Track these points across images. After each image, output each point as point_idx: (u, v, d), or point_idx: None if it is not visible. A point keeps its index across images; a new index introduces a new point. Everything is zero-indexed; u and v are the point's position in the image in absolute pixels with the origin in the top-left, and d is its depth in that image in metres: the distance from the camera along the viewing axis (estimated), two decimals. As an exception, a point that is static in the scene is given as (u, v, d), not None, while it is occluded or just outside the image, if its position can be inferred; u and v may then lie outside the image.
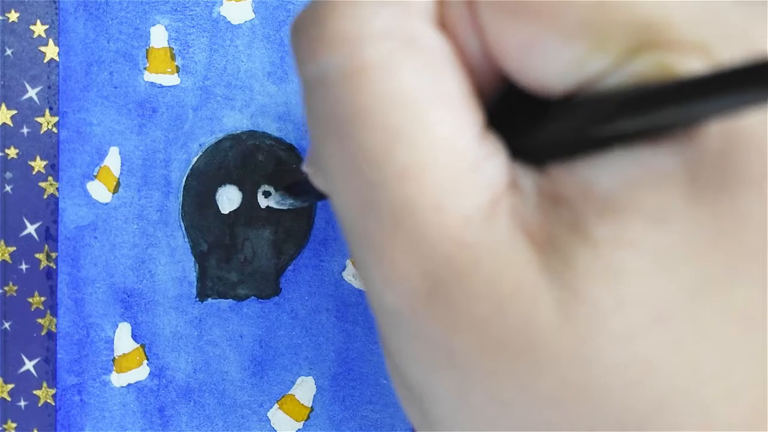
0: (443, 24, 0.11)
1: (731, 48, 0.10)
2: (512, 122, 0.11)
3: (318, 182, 0.16)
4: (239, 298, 0.30)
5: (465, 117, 0.11)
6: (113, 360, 0.29)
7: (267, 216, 0.30)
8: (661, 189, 0.10)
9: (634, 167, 0.10)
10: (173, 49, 0.30)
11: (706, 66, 0.10)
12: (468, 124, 0.11)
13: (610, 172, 0.10)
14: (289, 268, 0.30)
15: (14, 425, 0.29)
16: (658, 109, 0.09)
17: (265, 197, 0.29)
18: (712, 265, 0.09)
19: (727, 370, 0.09)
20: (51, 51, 0.30)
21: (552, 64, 0.10)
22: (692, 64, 0.10)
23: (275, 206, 0.29)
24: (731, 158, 0.09)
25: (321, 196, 0.22)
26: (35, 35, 0.30)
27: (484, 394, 0.10)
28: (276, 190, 0.29)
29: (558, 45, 0.10)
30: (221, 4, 0.30)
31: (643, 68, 0.10)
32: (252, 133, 0.30)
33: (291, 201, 0.27)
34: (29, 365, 0.30)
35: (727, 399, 0.09)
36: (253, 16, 0.30)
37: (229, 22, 0.30)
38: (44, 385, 0.30)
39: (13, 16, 0.30)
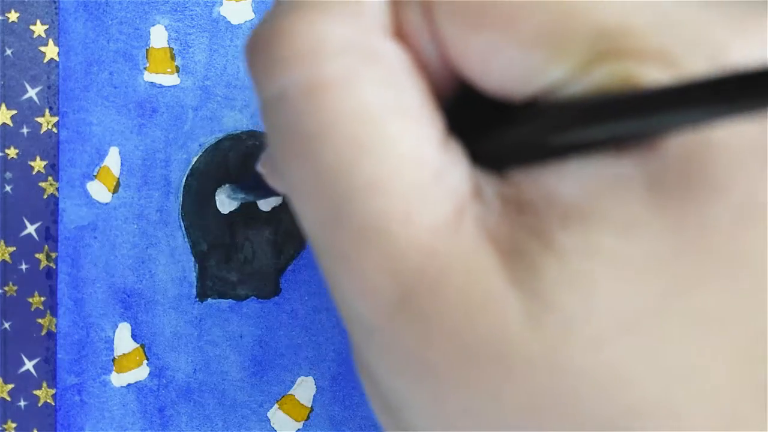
0: (399, 31, 0.11)
1: (695, 55, 0.10)
2: (472, 126, 0.11)
3: (276, 184, 0.16)
4: (239, 298, 0.30)
5: (427, 127, 0.11)
6: (113, 360, 0.29)
7: (267, 216, 0.30)
8: (625, 197, 0.10)
9: (597, 175, 0.10)
10: (173, 49, 0.30)
11: (668, 74, 0.09)
12: (430, 133, 0.11)
13: (573, 180, 0.10)
14: (289, 268, 0.30)
15: (14, 425, 0.29)
16: (615, 120, 0.09)
17: (221, 200, 0.30)
18: (678, 272, 0.09)
19: (697, 375, 0.09)
20: (51, 51, 0.30)
21: (510, 73, 0.10)
22: (653, 73, 0.09)
23: (226, 199, 0.29)
24: (695, 164, 0.09)
25: (273, 193, 0.22)
26: (35, 35, 0.30)
27: (457, 404, 0.10)
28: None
29: (516, 54, 0.10)
30: (221, 4, 0.30)
31: (603, 77, 0.10)
32: (252, 133, 0.30)
33: (242, 195, 0.27)
34: (29, 365, 0.30)
35: (699, 403, 0.09)
36: (253, 16, 0.30)
37: (229, 22, 0.30)
38: (44, 385, 0.30)
39: (13, 16, 0.30)
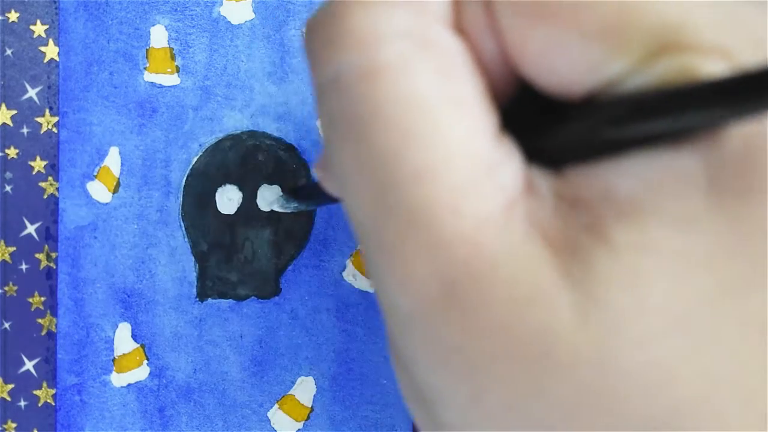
0: (459, 26, 0.11)
1: (753, 51, 0.10)
2: (527, 125, 0.11)
3: (329, 185, 0.16)
4: (239, 298, 0.30)
5: (480, 119, 0.10)
6: (113, 360, 0.29)
7: (267, 216, 0.30)
8: (683, 193, 0.10)
9: (655, 170, 0.10)
10: (173, 49, 0.30)
11: (727, 69, 0.09)
12: (483, 126, 0.10)
13: (630, 175, 0.10)
14: (289, 268, 0.30)
15: (14, 425, 0.29)
16: (677, 112, 0.09)
17: (267, 202, 0.29)
18: (730, 272, 0.09)
19: (742, 376, 0.09)
20: (51, 51, 0.30)
21: (571, 67, 0.10)
22: (714, 67, 0.09)
23: (279, 210, 0.28)
24: (753, 162, 0.09)
25: (328, 200, 0.21)
26: (35, 35, 0.30)
27: (498, 399, 0.10)
28: (280, 193, 0.29)
29: (577, 47, 0.10)
30: (221, 4, 0.30)
31: (663, 71, 0.10)
32: (252, 133, 0.30)
33: (296, 204, 0.27)
34: (29, 365, 0.30)
35: (742, 404, 0.09)
36: (253, 16, 0.30)
37: (229, 22, 0.30)
38: (44, 385, 0.30)
39: (13, 16, 0.30)
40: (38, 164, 0.30)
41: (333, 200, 0.20)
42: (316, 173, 0.16)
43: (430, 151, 0.10)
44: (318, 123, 0.12)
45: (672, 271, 0.09)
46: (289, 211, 0.29)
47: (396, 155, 0.10)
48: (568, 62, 0.10)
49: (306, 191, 0.25)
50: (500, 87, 0.11)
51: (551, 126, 0.11)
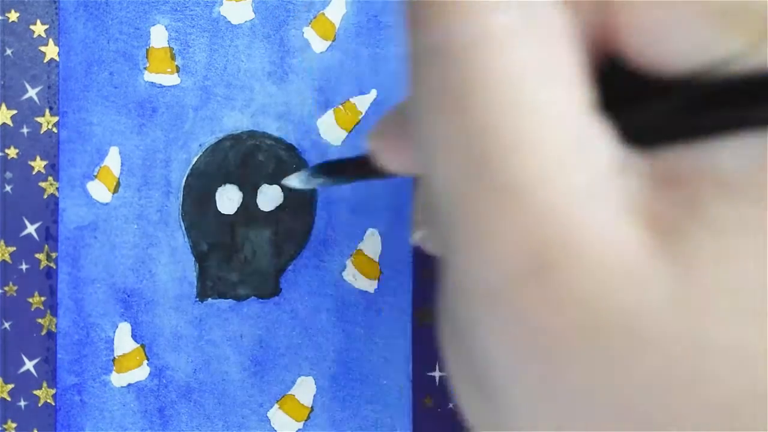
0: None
1: None
2: (619, 102, 0.11)
3: (396, 147, 0.15)
4: (239, 298, 0.30)
5: (579, 94, 0.10)
6: (113, 360, 0.29)
7: (267, 216, 0.30)
8: None
9: (763, 147, 0.10)
10: (173, 48, 0.30)
11: None
12: (581, 101, 0.10)
13: (734, 152, 0.10)
14: (289, 268, 0.30)
15: (14, 425, 0.29)
16: None
17: (288, 179, 0.27)
18: None
19: None
20: (51, 51, 0.30)
21: (680, 44, 0.10)
22: None
23: (299, 186, 0.27)
24: None
25: (363, 176, 0.20)
26: (35, 35, 0.30)
27: (573, 380, 0.10)
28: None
29: (693, 25, 0.10)
30: (221, 3, 0.30)
31: None
32: (252, 133, 0.30)
33: (321, 180, 0.25)
34: (29, 365, 0.30)
35: None
36: (253, 15, 0.30)
37: (229, 21, 0.30)
38: (44, 385, 0.30)
39: (13, 15, 0.30)
40: (38, 164, 0.30)
41: (368, 176, 0.19)
42: (370, 143, 0.16)
43: (528, 124, 0.10)
44: (406, 88, 0.12)
45: None
46: (309, 188, 0.27)
47: (494, 126, 0.10)
48: (676, 39, 0.10)
49: (340, 166, 0.24)
50: (594, 61, 0.11)
51: (649, 102, 0.11)
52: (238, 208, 0.30)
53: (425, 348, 0.30)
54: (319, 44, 0.30)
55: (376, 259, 0.30)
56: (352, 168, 0.21)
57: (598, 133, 0.10)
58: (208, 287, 0.30)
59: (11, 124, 0.30)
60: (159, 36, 0.30)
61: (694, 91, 0.10)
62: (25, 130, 0.30)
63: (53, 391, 0.30)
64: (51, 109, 0.30)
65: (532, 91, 0.10)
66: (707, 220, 0.10)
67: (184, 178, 0.30)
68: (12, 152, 0.30)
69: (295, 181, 0.25)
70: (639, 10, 0.10)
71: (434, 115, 0.11)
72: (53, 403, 0.29)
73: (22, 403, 0.29)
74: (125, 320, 0.29)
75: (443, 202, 0.11)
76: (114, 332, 0.29)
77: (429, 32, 0.11)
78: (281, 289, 0.30)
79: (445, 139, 0.11)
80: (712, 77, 0.10)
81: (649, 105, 0.11)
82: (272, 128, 0.30)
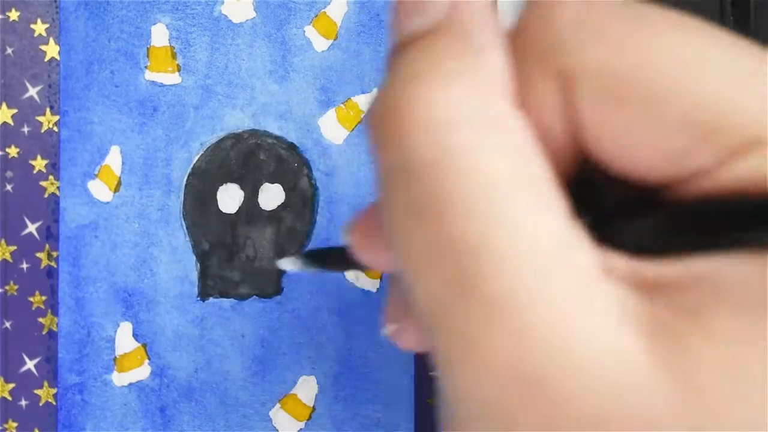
0: (522, 102, 0.11)
1: None
2: (595, 208, 0.11)
3: (372, 256, 0.15)
4: (241, 298, 0.30)
5: (554, 201, 0.10)
6: (114, 359, 0.29)
7: (269, 215, 0.30)
8: None
9: (761, 258, 0.10)
10: (174, 47, 0.30)
11: None
12: (557, 208, 0.10)
13: (739, 263, 0.10)
14: (291, 267, 0.30)
15: (15, 424, 0.29)
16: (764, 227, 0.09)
17: (281, 263, 0.28)
18: None
19: None
20: (52, 50, 0.30)
21: (652, 155, 0.10)
22: None
23: (296, 270, 0.27)
24: None
25: (355, 267, 0.21)
26: (36, 34, 0.30)
27: None
28: (295, 253, 0.28)
29: (660, 136, 0.10)
30: (222, 2, 0.30)
31: (753, 166, 0.10)
32: (253, 132, 0.30)
33: (315, 269, 0.26)
34: (30, 365, 0.30)
35: None
36: (254, 14, 0.30)
37: (230, 20, 0.30)
38: (45, 384, 0.30)
39: (14, 15, 0.30)
40: (39, 163, 0.30)
41: (359, 267, 0.20)
42: (348, 240, 0.16)
43: (508, 236, 0.10)
44: (375, 181, 0.12)
45: None
46: (308, 273, 0.28)
47: (474, 241, 0.10)
48: (647, 149, 0.10)
49: (332, 257, 0.24)
50: (562, 167, 0.11)
51: (633, 216, 0.11)
52: (240, 207, 0.30)
53: (427, 347, 0.30)
54: (320, 43, 0.30)
55: (378, 258, 0.30)
56: (341, 259, 0.21)
57: (578, 238, 0.10)
58: (209, 286, 0.30)
59: (12, 123, 0.30)
60: (160, 35, 0.30)
61: (682, 211, 0.10)
62: (25, 129, 0.30)
63: (54, 391, 0.29)
64: (52, 108, 0.30)
65: (508, 201, 0.10)
66: (709, 329, 0.09)
67: (185, 177, 0.30)
68: (13, 151, 0.29)
69: (288, 265, 0.25)
70: (606, 114, 0.10)
71: (408, 231, 0.11)
72: (54, 403, 0.29)
73: (23, 403, 0.29)
74: (126, 319, 0.29)
75: (426, 314, 0.11)
76: (115, 331, 0.29)
77: (394, 152, 0.11)
78: (283, 288, 0.30)
79: (421, 252, 0.11)
80: (691, 198, 0.10)
81: (633, 221, 0.11)
82: (273, 127, 0.30)
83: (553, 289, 0.10)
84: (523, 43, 0.11)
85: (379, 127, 0.11)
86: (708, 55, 0.10)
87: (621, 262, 0.10)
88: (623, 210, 0.11)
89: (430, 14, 0.11)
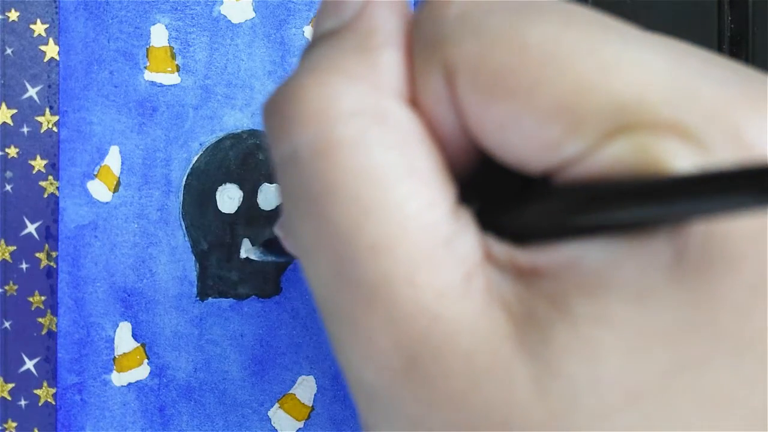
0: (414, 99, 0.11)
1: (712, 130, 0.10)
2: (490, 196, 0.11)
3: (290, 248, 0.16)
4: (240, 297, 0.30)
5: (437, 192, 0.11)
6: (114, 359, 0.29)
7: (268, 215, 0.30)
8: (647, 270, 0.10)
9: (621, 246, 0.10)
10: (173, 48, 0.30)
11: (685, 149, 0.09)
12: (440, 198, 0.11)
13: (595, 248, 0.10)
14: (290, 267, 0.30)
15: (15, 424, 0.29)
16: (635, 207, 0.09)
17: (246, 248, 0.29)
18: (687, 347, 0.09)
19: None
20: (51, 50, 0.30)
21: (527, 145, 0.10)
22: (670, 146, 0.09)
23: (256, 258, 0.28)
24: (714, 243, 0.09)
25: (290, 255, 0.22)
26: (35, 34, 0.30)
27: None
28: (254, 244, 0.29)
29: (533, 125, 0.10)
30: (221, 2, 0.30)
31: (621, 151, 0.10)
32: (253, 132, 0.30)
33: (273, 258, 0.27)
34: (30, 364, 0.30)
35: None
36: (253, 14, 0.30)
37: (229, 20, 0.30)
38: (45, 384, 0.30)
39: (13, 15, 0.30)
40: (38, 163, 0.30)
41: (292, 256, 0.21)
42: (278, 232, 0.16)
43: (387, 224, 0.10)
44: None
45: (628, 344, 0.09)
46: (266, 260, 0.29)
47: (352, 229, 0.10)
48: (524, 140, 0.10)
49: (276, 246, 0.25)
50: (462, 158, 0.11)
51: (512, 204, 0.11)
52: (239, 207, 0.30)
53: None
54: (319, 43, 0.30)
55: (377, 258, 0.30)
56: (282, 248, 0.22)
57: (460, 227, 0.11)
58: (208, 286, 0.30)
59: (11, 124, 0.30)
60: (159, 35, 0.30)
61: (553, 194, 0.10)
62: (25, 129, 0.30)
63: (54, 391, 0.30)
64: (51, 108, 0.30)
65: (386, 190, 0.10)
66: (568, 314, 0.10)
67: (185, 177, 0.30)
68: (12, 151, 0.30)
69: (252, 254, 0.26)
70: (483, 106, 0.10)
71: (299, 221, 0.11)
72: (54, 403, 0.29)
73: (23, 403, 0.29)
74: (126, 319, 0.29)
75: (319, 299, 0.11)
76: (114, 331, 0.29)
77: (283, 143, 0.11)
78: (282, 288, 0.30)
79: (309, 241, 0.11)
80: (568, 181, 0.10)
81: (517, 205, 0.11)
82: (273, 127, 0.30)
83: (428, 275, 0.10)
84: (416, 38, 0.11)
85: (271, 119, 0.11)
86: (582, 43, 0.10)
87: (502, 249, 0.11)
88: (512, 198, 0.11)
89: (344, 13, 0.11)
